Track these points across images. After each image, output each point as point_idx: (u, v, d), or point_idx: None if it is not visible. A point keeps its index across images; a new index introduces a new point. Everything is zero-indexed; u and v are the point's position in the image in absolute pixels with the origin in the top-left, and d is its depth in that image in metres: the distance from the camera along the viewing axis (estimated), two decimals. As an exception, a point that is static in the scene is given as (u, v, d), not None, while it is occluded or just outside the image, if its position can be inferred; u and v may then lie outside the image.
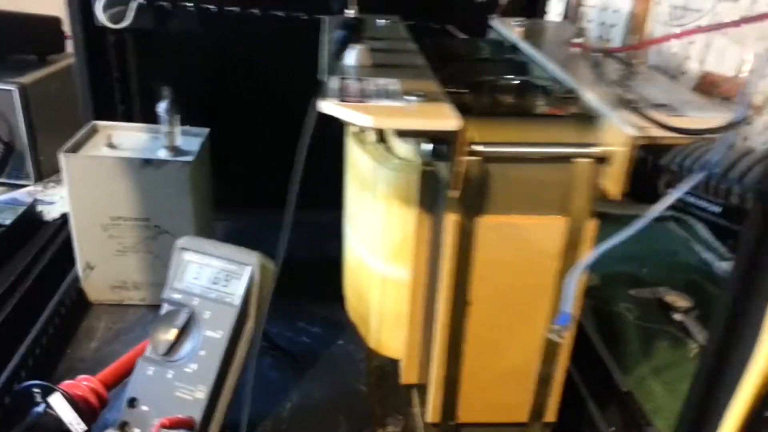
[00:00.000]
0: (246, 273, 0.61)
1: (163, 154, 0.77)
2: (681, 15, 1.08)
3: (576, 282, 0.47)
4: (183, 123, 0.79)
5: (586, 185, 0.48)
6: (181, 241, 0.64)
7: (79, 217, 0.76)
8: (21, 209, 0.95)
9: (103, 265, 0.79)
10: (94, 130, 0.81)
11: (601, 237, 0.47)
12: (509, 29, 0.68)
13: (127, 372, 0.64)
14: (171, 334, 0.61)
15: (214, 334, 0.60)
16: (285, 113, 1.01)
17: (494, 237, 0.49)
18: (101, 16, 0.81)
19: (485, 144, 0.45)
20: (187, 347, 0.60)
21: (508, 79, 0.57)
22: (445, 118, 0.41)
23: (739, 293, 0.40)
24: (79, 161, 0.74)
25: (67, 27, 0.97)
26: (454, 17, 0.82)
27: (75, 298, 0.80)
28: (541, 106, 0.50)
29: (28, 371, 0.67)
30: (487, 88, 0.55)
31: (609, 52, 0.54)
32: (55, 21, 1.10)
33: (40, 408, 0.56)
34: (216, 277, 0.62)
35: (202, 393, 0.59)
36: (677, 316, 0.89)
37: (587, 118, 0.48)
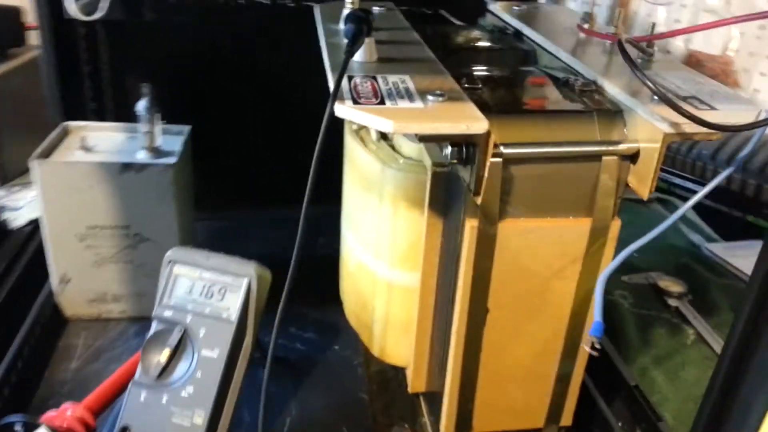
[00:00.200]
0: (242, 285, 0.57)
1: (142, 156, 0.71)
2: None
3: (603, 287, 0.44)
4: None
5: (613, 185, 0.45)
6: (170, 254, 0.59)
7: (53, 226, 0.71)
8: (-17, 217, 0.89)
9: (79, 278, 0.74)
10: (65, 132, 0.76)
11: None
12: (510, 14, 0.65)
13: (114, 395, 0.60)
14: (163, 355, 0.56)
15: (210, 353, 0.56)
16: (268, 107, 0.97)
17: (516, 242, 0.46)
18: (71, 8, 0.75)
19: (508, 145, 0.42)
20: (181, 368, 0.56)
21: (520, 71, 0.54)
22: (472, 120, 0.38)
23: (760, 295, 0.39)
24: (51, 168, 0.68)
25: (31, 18, 0.91)
26: (446, 1, 0.78)
27: (50, 314, 0.74)
28: (561, 100, 0.47)
29: (5, 401, 0.62)
30: (501, 82, 0.52)
31: (635, 42, 0.51)
32: (14, 12, 1.03)
33: (25, 446, 0.52)
34: (210, 290, 0.58)
35: (200, 418, 0.55)
36: (672, 302, 0.88)
37: (612, 113, 0.45)
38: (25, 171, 1.11)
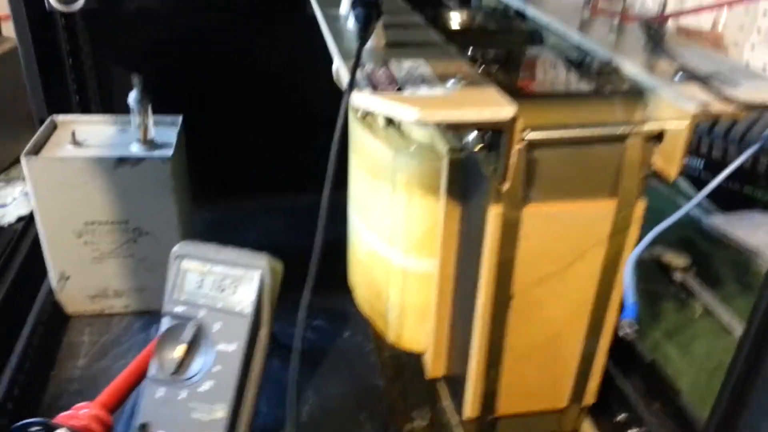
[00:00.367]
0: (255, 278, 0.56)
1: (136, 149, 0.69)
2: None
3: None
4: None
5: (638, 165, 0.44)
6: (177, 249, 0.58)
7: (49, 224, 0.69)
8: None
9: (79, 274, 0.72)
10: (53, 126, 0.73)
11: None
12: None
13: (127, 392, 0.59)
14: (178, 350, 0.55)
15: (227, 346, 0.55)
16: (259, 95, 0.94)
17: (540, 227, 0.46)
18: None
19: (532, 129, 0.41)
20: (197, 364, 0.55)
21: (530, 53, 0.53)
22: (499, 106, 0.37)
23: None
24: (43, 164, 0.66)
25: (3, 8, 0.87)
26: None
27: (51, 312, 0.73)
28: (579, 82, 0.46)
29: (15, 402, 0.61)
30: (513, 64, 0.50)
31: (650, 21, 0.50)
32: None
33: (45, 449, 0.50)
34: (221, 284, 0.57)
35: (221, 412, 0.54)
36: (677, 276, 0.88)
37: (633, 93, 0.44)
38: (8, 166, 1.08)
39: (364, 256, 0.62)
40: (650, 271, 0.90)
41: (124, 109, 0.75)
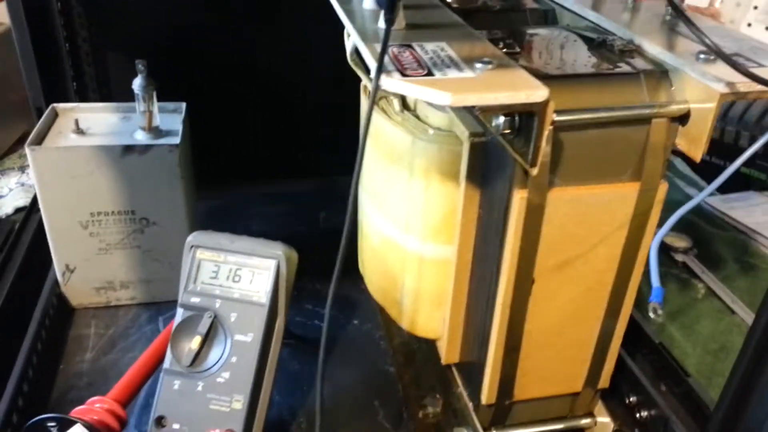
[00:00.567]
0: (271, 267, 0.56)
1: (141, 136, 0.68)
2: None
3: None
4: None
5: (662, 147, 0.44)
6: (191, 239, 0.57)
7: (54, 215, 0.67)
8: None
9: (84, 266, 0.71)
10: (54, 114, 0.71)
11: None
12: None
13: (140, 385, 0.58)
14: (194, 342, 0.55)
15: (244, 337, 0.55)
16: (258, 82, 0.93)
17: (564, 210, 0.45)
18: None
19: (560, 112, 0.41)
20: (214, 355, 0.55)
21: (548, 33, 0.52)
22: (532, 89, 0.36)
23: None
24: (48, 154, 0.64)
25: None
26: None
27: (57, 305, 0.71)
28: (602, 62, 0.46)
29: (25, 397, 0.60)
30: (534, 45, 0.50)
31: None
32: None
33: (62, 444, 0.50)
34: (237, 274, 0.56)
35: (239, 403, 0.54)
36: (679, 257, 0.89)
37: (658, 74, 0.44)
38: (1, 156, 1.05)
39: (378, 244, 0.61)
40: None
41: (123, 97, 0.74)
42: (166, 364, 0.55)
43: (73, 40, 0.82)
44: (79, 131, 0.68)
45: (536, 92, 0.36)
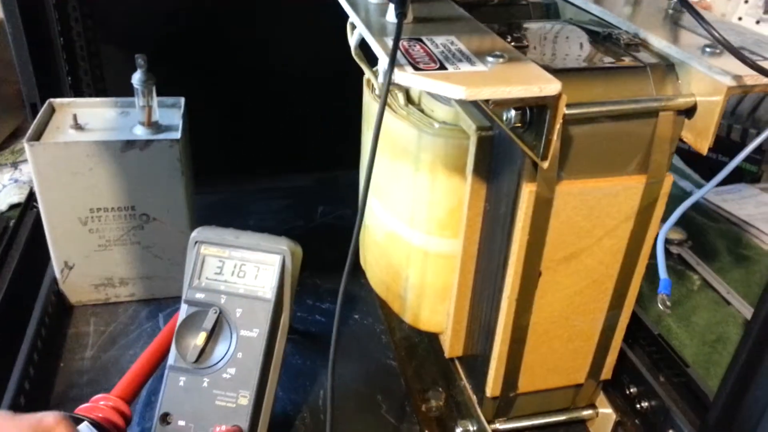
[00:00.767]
0: (276, 262, 0.55)
1: (141, 131, 0.67)
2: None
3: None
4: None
5: (669, 140, 0.45)
6: (196, 234, 0.57)
7: (53, 212, 0.66)
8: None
9: (84, 263, 0.70)
10: (52, 110, 0.70)
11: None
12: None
13: (143, 381, 0.58)
14: (200, 338, 0.54)
15: (249, 333, 0.55)
16: (255, 76, 0.93)
17: (572, 203, 0.46)
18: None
19: (570, 105, 0.41)
20: (220, 350, 0.55)
21: (553, 27, 0.53)
22: (545, 82, 0.37)
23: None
24: (47, 150, 0.63)
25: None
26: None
27: (56, 303, 0.71)
28: (608, 56, 0.46)
29: (27, 395, 0.59)
30: (539, 39, 0.50)
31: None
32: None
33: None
34: (242, 270, 0.56)
35: (245, 398, 0.54)
36: (674, 249, 0.90)
37: (665, 67, 0.44)
38: (-6, 152, 1.04)
39: (382, 238, 0.61)
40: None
41: (118, 92, 0.73)
42: (171, 360, 0.55)
43: (68, 35, 0.81)
44: (78, 126, 0.67)
45: (549, 86, 0.37)
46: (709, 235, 0.93)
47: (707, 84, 0.42)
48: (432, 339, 0.69)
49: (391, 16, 0.46)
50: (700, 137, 0.43)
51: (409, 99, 0.56)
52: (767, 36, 0.47)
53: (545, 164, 0.40)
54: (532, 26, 0.53)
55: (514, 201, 0.46)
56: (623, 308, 0.53)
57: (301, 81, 0.92)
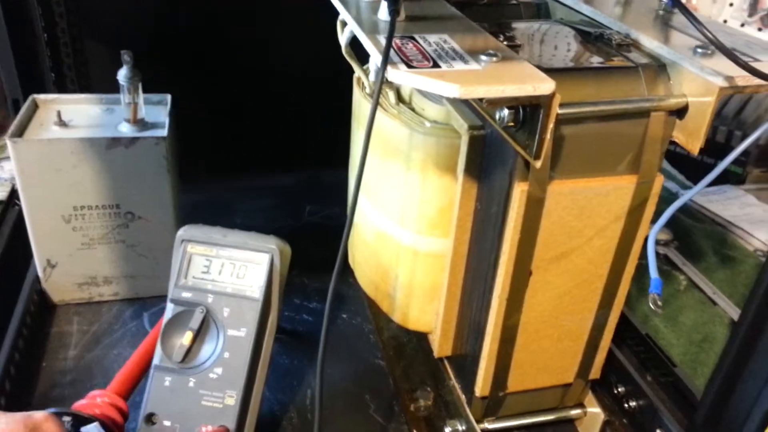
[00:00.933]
0: (265, 261, 0.55)
1: (126, 129, 0.66)
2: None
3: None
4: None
5: (660, 140, 0.45)
6: (182, 233, 0.56)
7: (36, 209, 0.65)
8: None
9: (67, 261, 0.69)
10: (35, 106, 0.69)
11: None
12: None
13: (139, 378, 0.57)
14: (186, 338, 0.54)
15: (237, 332, 0.54)
16: (243, 74, 0.92)
17: (563, 203, 0.46)
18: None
19: (561, 105, 0.41)
20: (206, 350, 0.54)
21: (543, 26, 0.53)
22: (539, 81, 0.37)
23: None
24: (30, 147, 0.62)
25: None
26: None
27: (38, 301, 0.70)
28: (600, 56, 0.46)
29: (8, 396, 0.58)
30: (532, 38, 0.50)
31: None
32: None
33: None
34: (230, 269, 0.55)
35: (232, 398, 0.53)
36: (660, 249, 0.91)
37: (656, 67, 0.44)
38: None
39: (371, 237, 0.61)
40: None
41: (103, 89, 0.72)
42: (156, 360, 0.54)
43: (52, 30, 0.79)
44: (62, 123, 0.66)
45: (543, 85, 0.36)
46: (694, 235, 0.94)
47: (699, 84, 0.42)
48: (421, 338, 0.69)
49: (383, 13, 0.46)
50: (692, 138, 0.43)
51: (400, 98, 0.56)
52: (757, 37, 0.48)
53: (538, 164, 0.40)
54: (524, 26, 0.53)
55: (506, 200, 0.46)
56: (612, 308, 0.54)
57: (288, 78, 0.92)
